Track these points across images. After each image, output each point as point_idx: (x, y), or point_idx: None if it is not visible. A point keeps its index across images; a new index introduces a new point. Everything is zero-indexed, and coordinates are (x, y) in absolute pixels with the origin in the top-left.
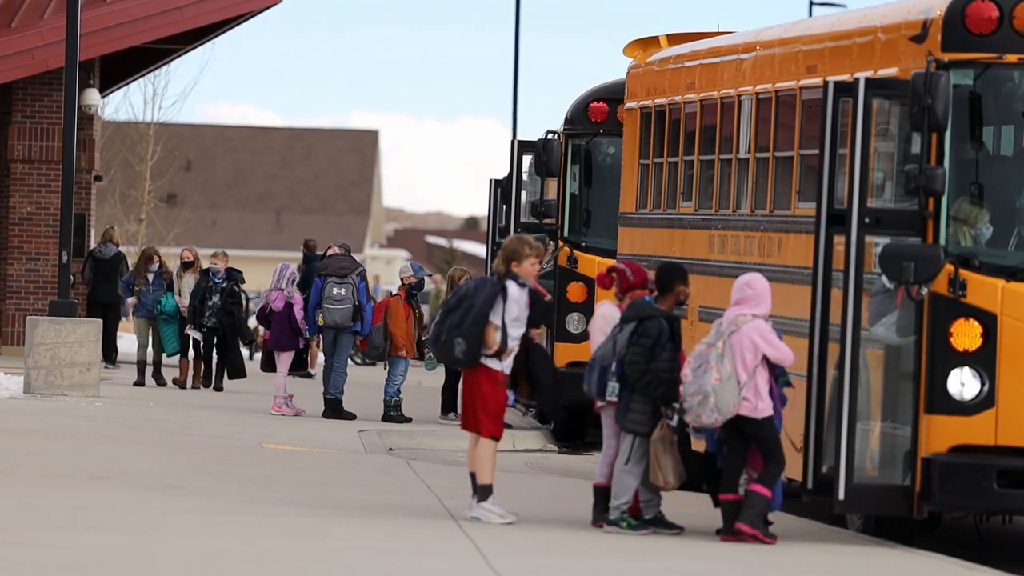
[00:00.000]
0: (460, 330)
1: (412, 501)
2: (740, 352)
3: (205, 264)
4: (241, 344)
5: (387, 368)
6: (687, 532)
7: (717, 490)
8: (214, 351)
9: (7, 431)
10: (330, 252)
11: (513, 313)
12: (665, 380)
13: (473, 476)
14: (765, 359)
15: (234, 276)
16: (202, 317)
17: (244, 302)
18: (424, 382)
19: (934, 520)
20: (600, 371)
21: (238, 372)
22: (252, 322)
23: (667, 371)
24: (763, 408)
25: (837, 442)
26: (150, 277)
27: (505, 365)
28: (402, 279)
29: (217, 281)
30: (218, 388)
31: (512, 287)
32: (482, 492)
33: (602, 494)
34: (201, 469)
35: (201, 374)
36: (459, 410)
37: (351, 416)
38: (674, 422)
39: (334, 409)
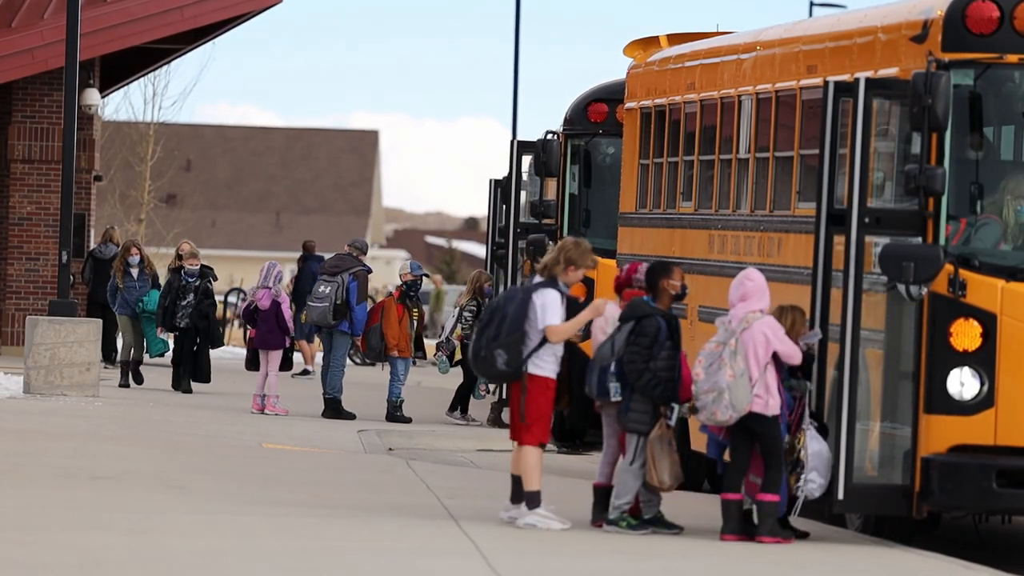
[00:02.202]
0: (498, 342)
1: (412, 501)
2: (752, 348)
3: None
4: (211, 345)
5: (388, 369)
6: (687, 532)
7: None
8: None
9: (7, 431)
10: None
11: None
12: (664, 379)
13: (515, 478)
14: (773, 358)
15: (207, 274)
16: (174, 318)
17: (217, 301)
18: (423, 382)
19: (933, 520)
20: (599, 372)
21: (204, 376)
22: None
23: (666, 370)
24: (773, 405)
25: (837, 442)
26: (134, 273)
27: (552, 371)
28: (400, 276)
29: (191, 280)
30: (187, 390)
31: (549, 292)
32: (531, 499)
33: (602, 494)
34: (201, 469)
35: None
36: (466, 409)
37: (350, 416)
38: (673, 421)
39: (333, 409)
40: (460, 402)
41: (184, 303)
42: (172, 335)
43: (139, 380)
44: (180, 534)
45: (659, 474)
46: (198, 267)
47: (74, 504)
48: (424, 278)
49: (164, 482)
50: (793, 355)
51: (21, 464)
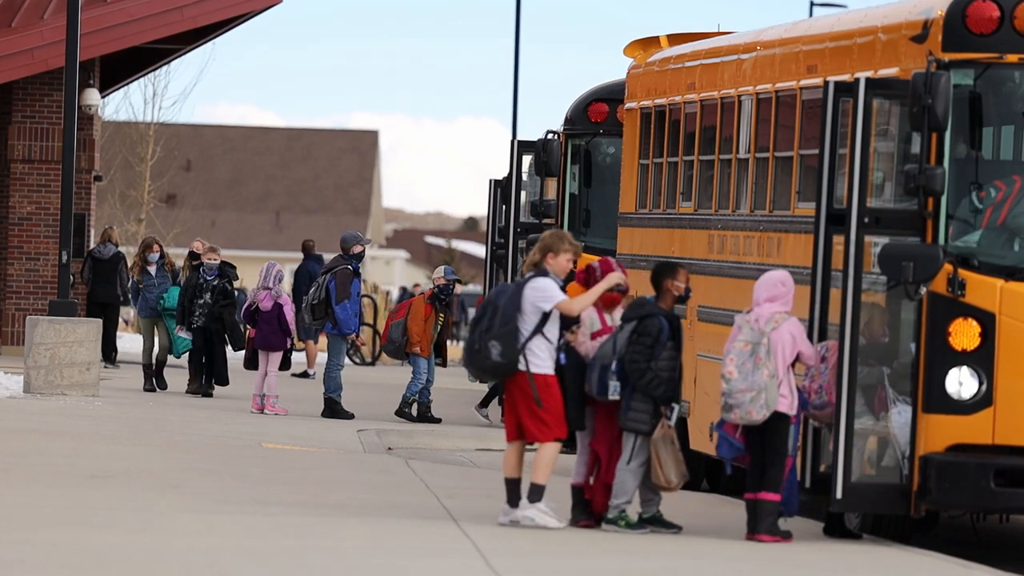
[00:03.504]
0: (491, 333)
1: (411, 500)
2: (781, 348)
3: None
4: (232, 348)
5: (410, 366)
6: (686, 531)
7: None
8: (202, 354)
9: (7, 431)
10: None
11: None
12: (666, 379)
13: (509, 481)
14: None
15: (227, 273)
16: (191, 316)
17: (236, 301)
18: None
19: (931, 519)
20: (600, 370)
21: (221, 379)
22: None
23: (667, 370)
24: (794, 406)
25: (835, 440)
26: (152, 270)
27: (550, 367)
28: (432, 280)
29: (209, 279)
30: (207, 393)
31: (540, 279)
32: (535, 492)
33: (580, 494)
34: (201, 469)
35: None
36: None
37: (349, 415)
38: (673, 421)
39: (331, 408)
40: (488, 399)
41: (200, 302)
42: (189, 334)
43: (163, 385)
44: (180, 533)
45: (666, 474)
46: (217, 263)
47: (74, 503)
48: (453, 282)
49: (164, 481)
50: (812, 356)
51: (21, 463)
